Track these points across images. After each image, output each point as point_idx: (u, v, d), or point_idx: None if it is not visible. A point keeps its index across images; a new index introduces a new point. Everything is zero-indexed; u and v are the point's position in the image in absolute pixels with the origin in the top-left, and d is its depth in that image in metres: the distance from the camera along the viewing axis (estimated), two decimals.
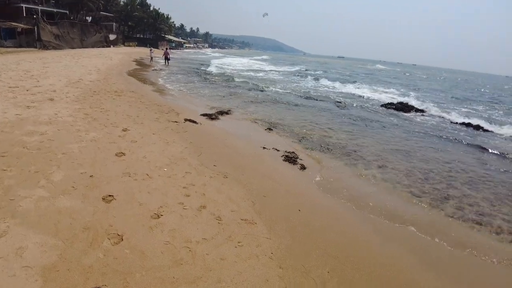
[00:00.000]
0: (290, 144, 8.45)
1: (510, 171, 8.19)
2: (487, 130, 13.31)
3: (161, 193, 4.50)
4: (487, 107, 22.49)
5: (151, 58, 33.52)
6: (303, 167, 6.72)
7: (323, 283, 3.21)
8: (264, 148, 7.73)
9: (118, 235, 3.46)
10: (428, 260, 4.03)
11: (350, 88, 25.04)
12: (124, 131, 7.14)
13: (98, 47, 45.84)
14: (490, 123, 15.01)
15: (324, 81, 28.74)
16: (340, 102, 17.35)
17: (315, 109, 14.61)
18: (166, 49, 36.00)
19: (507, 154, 9.76)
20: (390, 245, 4.27)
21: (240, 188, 5.15)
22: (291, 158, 7.12)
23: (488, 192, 6.59)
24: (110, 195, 4.25)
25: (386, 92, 24.79)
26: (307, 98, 18.07)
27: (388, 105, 17.43)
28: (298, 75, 35.10)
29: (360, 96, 21.18)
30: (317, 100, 17.59)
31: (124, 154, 5.77)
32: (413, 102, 18.98)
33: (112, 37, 54.74)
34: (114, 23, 61.46)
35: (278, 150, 7.64)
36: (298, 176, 6.33)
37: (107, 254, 3.15)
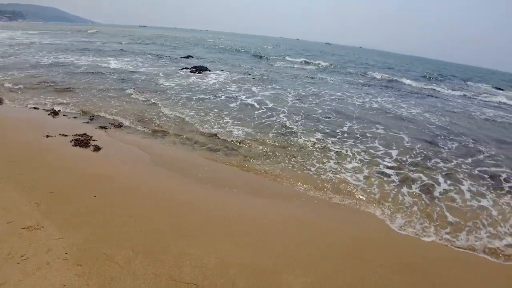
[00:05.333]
0: (80, 126, 7.64)
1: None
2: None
3: None
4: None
5: None
6: (97, 148, 6.28)
7: (128, 263, 3.27)
8: (48, 136, 6.68)
9: None
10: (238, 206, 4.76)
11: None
12: None
13: None
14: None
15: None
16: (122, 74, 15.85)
17: (101, 82, 13.15)
18: None
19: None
20: (186, 199, 4.74)
21: (18, 191, 4.31)
22: (82, 142, 6.48)
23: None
24: None
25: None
26: (88, 72, 15.39)
27: (182, 70, 18.26)
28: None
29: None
30: (102, 74, 15.37)
31: None
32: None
33: None
34: None
35: (66, 136, 6.76)
36: (92, 159, 5.86)
37: None
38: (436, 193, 6.03)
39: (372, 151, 7.90)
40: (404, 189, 6.02)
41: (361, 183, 6.07)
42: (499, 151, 9.28)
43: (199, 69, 18.77)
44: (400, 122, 11.34)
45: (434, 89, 23.80)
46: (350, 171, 6.59)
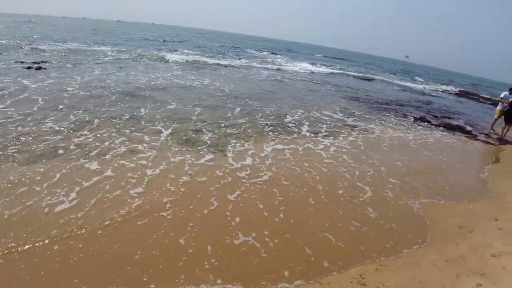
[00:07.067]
0: None
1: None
2: None
3: None
4: None
5: None
6: None
7: None
8: None
9: None
10: None
11: None
12: None
13: None
14: None
15: None
16: None
17: None
18: None
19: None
20: None
21: None
22: None
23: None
24: None
25: None
26: None
27: None
28: None
29: None
30: None
31: None
32: None
33: None
34: None
35: None
36: None
37: None
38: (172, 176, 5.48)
39: (145, 137, 7.16)
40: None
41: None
42: (275, 106, 11.42)
43: None
44: (191, 93, 12.04)
45: (221, 63, 24.67)
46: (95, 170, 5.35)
